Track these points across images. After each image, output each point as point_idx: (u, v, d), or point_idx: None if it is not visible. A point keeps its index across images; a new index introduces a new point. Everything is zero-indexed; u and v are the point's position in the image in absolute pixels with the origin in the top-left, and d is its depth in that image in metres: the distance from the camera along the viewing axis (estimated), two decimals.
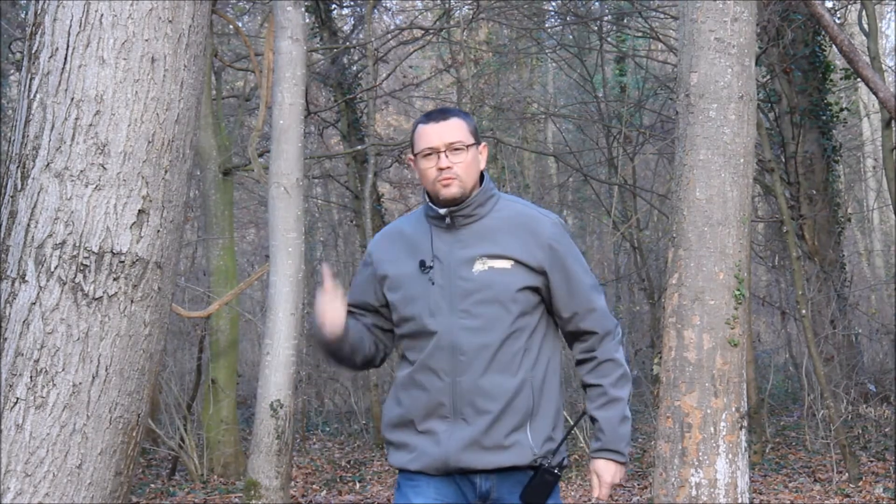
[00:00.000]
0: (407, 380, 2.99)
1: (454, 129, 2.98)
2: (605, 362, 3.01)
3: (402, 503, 2.99)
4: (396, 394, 3.04)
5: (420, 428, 2.96)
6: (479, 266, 2.95)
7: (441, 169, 2.95)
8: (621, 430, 2.97)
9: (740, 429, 5.25)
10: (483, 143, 3.07)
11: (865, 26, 10.43)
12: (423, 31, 13.28)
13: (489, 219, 3.00)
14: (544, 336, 3.01)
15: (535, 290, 2.97)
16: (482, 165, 3.05)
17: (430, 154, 2.97)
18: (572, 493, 8.59)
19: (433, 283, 2.95)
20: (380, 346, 3.15)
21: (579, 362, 3.05)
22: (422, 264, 2.98)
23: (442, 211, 2.98)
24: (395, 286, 3.02)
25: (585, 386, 3.04)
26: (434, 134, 2.97)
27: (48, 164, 3.17)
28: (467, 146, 2.98)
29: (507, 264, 2.94)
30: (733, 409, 5.23)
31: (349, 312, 3.06)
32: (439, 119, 3.00)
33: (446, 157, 2.95)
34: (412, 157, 3.03)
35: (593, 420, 3.01)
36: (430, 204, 3.01)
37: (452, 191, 2.95)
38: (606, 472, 2.98)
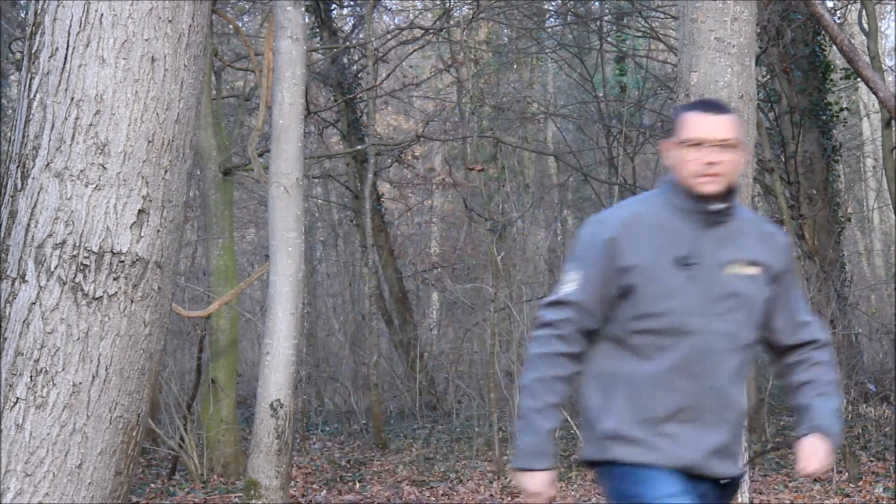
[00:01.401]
0: (649, 378, 2.82)
1: (729, 126, 2.85)
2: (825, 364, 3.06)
3: (641, 491, 2.80)
4: (636, 390, 2.83)
5: (660, 429, 2.81)
6: (736, 269, 2.85)
7: (708, 163, 2.81)
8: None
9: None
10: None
11: (865, 26, 10.44)
12: (423, 31, 13.29)
13: (737, 221, 2.89)
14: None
15: (766, 300, 2.92)
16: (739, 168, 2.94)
17: (698, 145, 2.83)
18: (572, 493, 8.58)
19: (693, 282, 2.82)
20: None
21: (792, 365, 3.07)
22: (682, 260, 2.83)
23: (715, 206, 2.83)
24: (646, 278, 2.82)
25: (800, 384, 3.05)
26: (709, 126, 2.82)
27: (48, 164, 3.17)
28: (736, 146, 2.86)
29: (757, 271, 2.87)
30: None
31: (573, 324, 2.87)
32: (716, 112, 2.86)
33: (717, 152, 2.82)
34: (671, 142, 2.89)
35: (808, 409, 3.02)
36: (691, 196, 2.85)
37: (714, 188, 2.81)
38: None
